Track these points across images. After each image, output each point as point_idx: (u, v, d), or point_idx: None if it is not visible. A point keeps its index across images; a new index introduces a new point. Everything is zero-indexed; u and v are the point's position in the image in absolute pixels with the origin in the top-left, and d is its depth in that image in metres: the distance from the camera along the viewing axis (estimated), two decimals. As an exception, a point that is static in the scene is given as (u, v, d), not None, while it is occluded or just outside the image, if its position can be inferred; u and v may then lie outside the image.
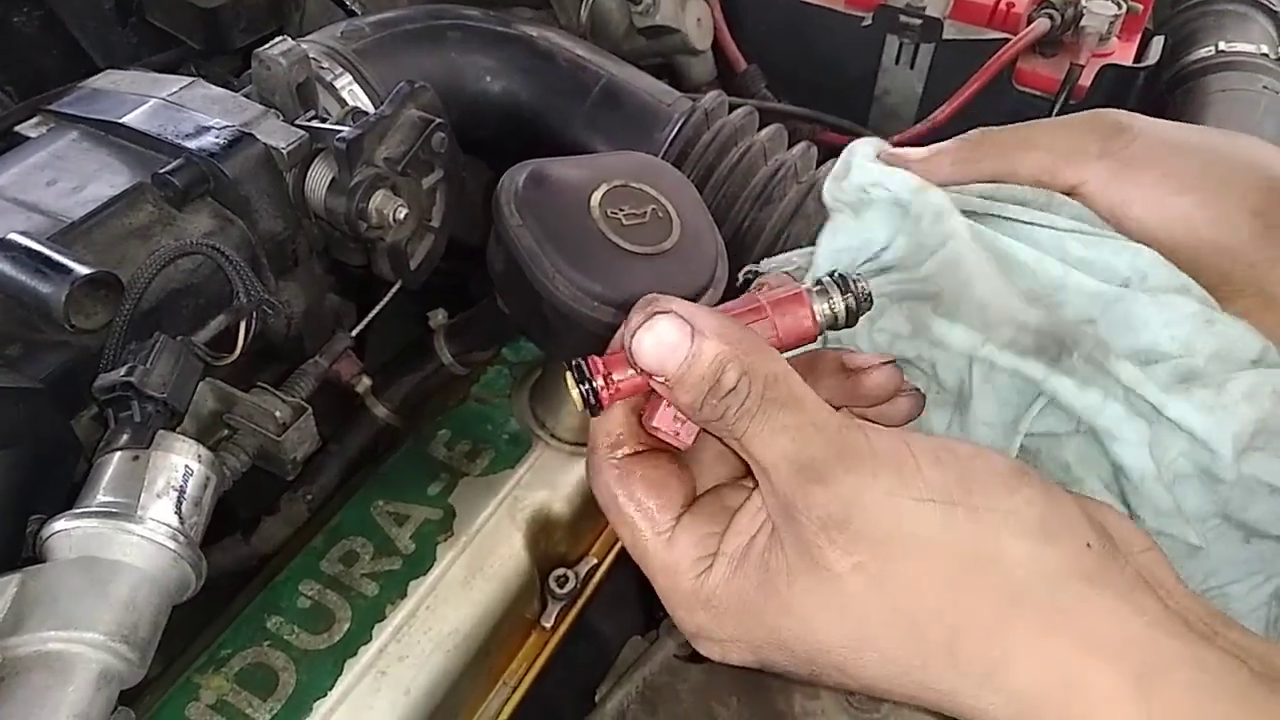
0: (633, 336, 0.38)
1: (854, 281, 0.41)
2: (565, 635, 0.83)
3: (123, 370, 0.55)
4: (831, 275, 0.42)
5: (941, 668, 0.36)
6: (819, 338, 0.43)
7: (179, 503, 0.52)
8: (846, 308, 0.41)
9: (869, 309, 0.42)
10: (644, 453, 0.42)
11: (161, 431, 0.54)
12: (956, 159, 0.51)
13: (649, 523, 0.41)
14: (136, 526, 0.50)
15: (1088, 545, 0.37)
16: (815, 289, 0.42)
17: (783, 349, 0.42)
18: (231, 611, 0.72)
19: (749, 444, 0.38)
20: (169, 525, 0.51)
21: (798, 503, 0.36)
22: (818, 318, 0.41)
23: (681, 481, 0.42)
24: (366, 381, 0.88)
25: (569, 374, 0.40)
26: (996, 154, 0.51)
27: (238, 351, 0.61)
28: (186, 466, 0.53)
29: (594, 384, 0.39)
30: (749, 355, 0.37)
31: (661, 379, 0.38)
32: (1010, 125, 0.52)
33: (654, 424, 0.40)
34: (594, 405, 0.40)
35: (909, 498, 0.36)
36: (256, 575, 0.78)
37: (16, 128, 0.73)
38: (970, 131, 0.53)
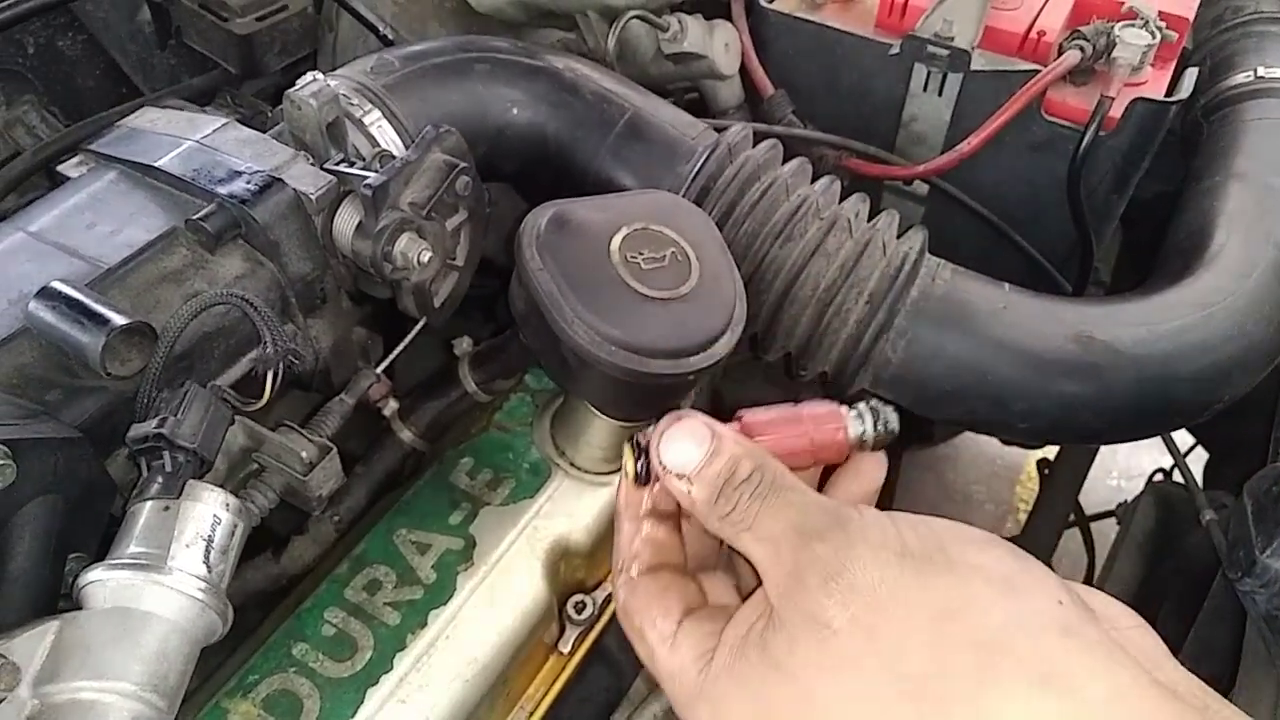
0: (660, 436, 0.44)
1: (883, 411, 0.46)
2: (582, 661, 0.85)
3: (154, 422, 0.57)
4: (867, 403, 0.47)
5: None
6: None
7: (207, 552, 0.55)
8: (876, 435, 0.46)
9: (892, 439, 0.46)
10: (651, 569, 0.46)
11: (191, 481, 0.56)
12: None
13: (654, 630, 0.44)
14: (166, 578, 0.52)
15: (1059, 602, 0.39)
16: (852, 413, 0.47)
17: (815, 460, 0.47)
18: (260, 637, 0.74)
19: (760, 524, 0.42)
20: (197, 576, 0.53)
21: (801, 561, 0.40)
22: (850, 436, 0.46)
23: (684, 590, 0.46)
24: (394, 405, 0.90)
25: (630, 448, 0.46)
26: None
27: (265, 399, 0.64)
28: (215, 516, 0.56)
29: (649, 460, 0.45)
30: (757, 453, 0.44)
31: (683, 475, 0.43)
32: None
33: None
34: (644, 476, 0.45)
35: (893, 553, 0.40)
36: (285, 595, 0.81)
37: (59, 167, 0.75)
38: None
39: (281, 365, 0.64)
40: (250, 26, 1.01)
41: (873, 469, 0.49)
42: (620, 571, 0.48)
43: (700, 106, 1.16)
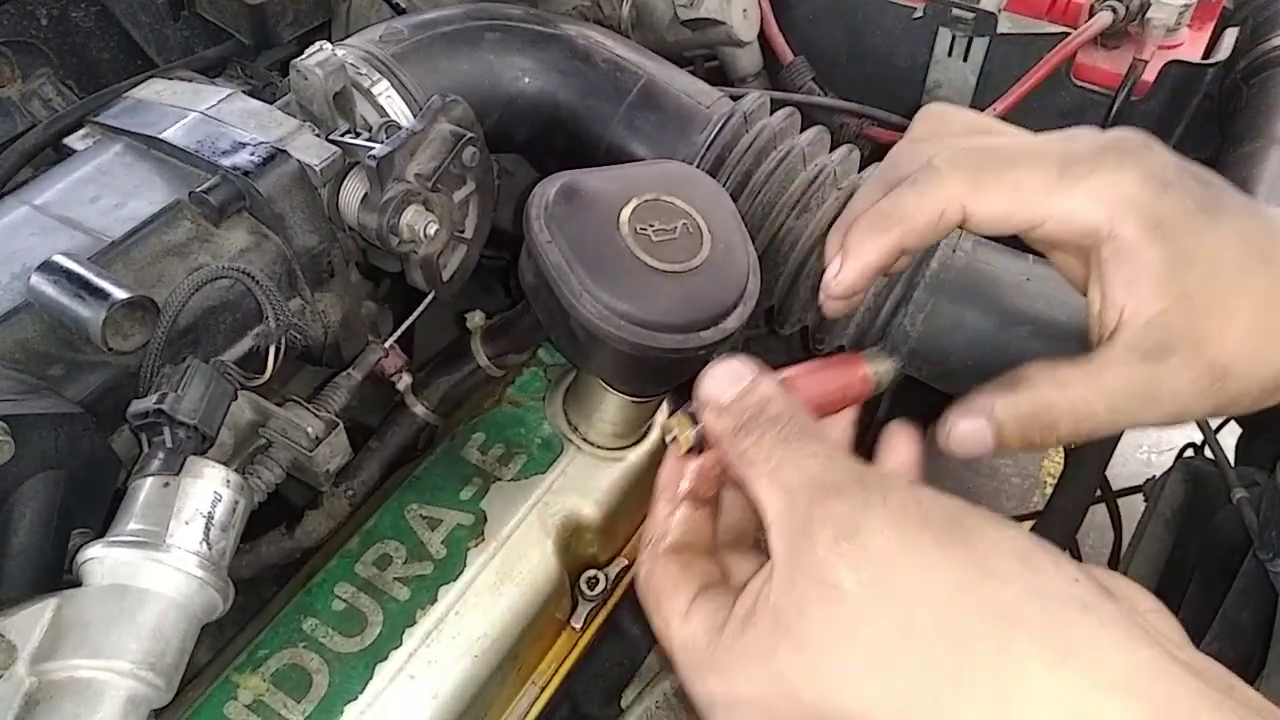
0: (707, 371, 0.46)
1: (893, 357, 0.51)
2: (595, 636, 0.84)
3: (154, 397, 0.57)
4: (876, 346, 0.50)
5: (952, 695, 0.36)
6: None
7: (207, 529, 0.54)
8: (893, 368, 0.51)
9: (900, 376, 0.48)
10: (677, 548, 0.47)
11: (191, 458, 0.56)
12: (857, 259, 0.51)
13: (669, 603, 0.44)
14: (165, 555, 0.52)
15: (1075, 579, 0.38)
16: (864, 355, 0.51)
17: (844, 401, 0.50)
18: (270, 611, 0.74)
19: (780, 469, 0.41)
20: (196, 554, 0.53)
21: (815, 516, 0.39)
22: (869, 372, 0.50)
23: (705, 569, 0.46)
24: (407, 379, 0.90)
25: (682, 417, 0.47)
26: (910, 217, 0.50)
27: (268, 374, 0.63)
28: (215, 493, 0.55)
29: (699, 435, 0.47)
30: (793, 401, 0.44)
31: (715, 405, 0.45)
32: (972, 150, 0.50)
33: None
34: (699, 447, 0.47)
35: (913, 520, 0.39)
36: (299, 568, 0.81)
37: (66, 140, 0.75)
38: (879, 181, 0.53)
39: (283, 340, 0.63)
40: (261, -4, 1.00)
41: (908, 443, 0.48)
42: (646, 545, 0.48)
43: (719, 77, 1.14)
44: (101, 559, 0.51)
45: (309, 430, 0.66)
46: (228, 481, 0.56)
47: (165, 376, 0.59)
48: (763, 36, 1.09)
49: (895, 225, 0.49)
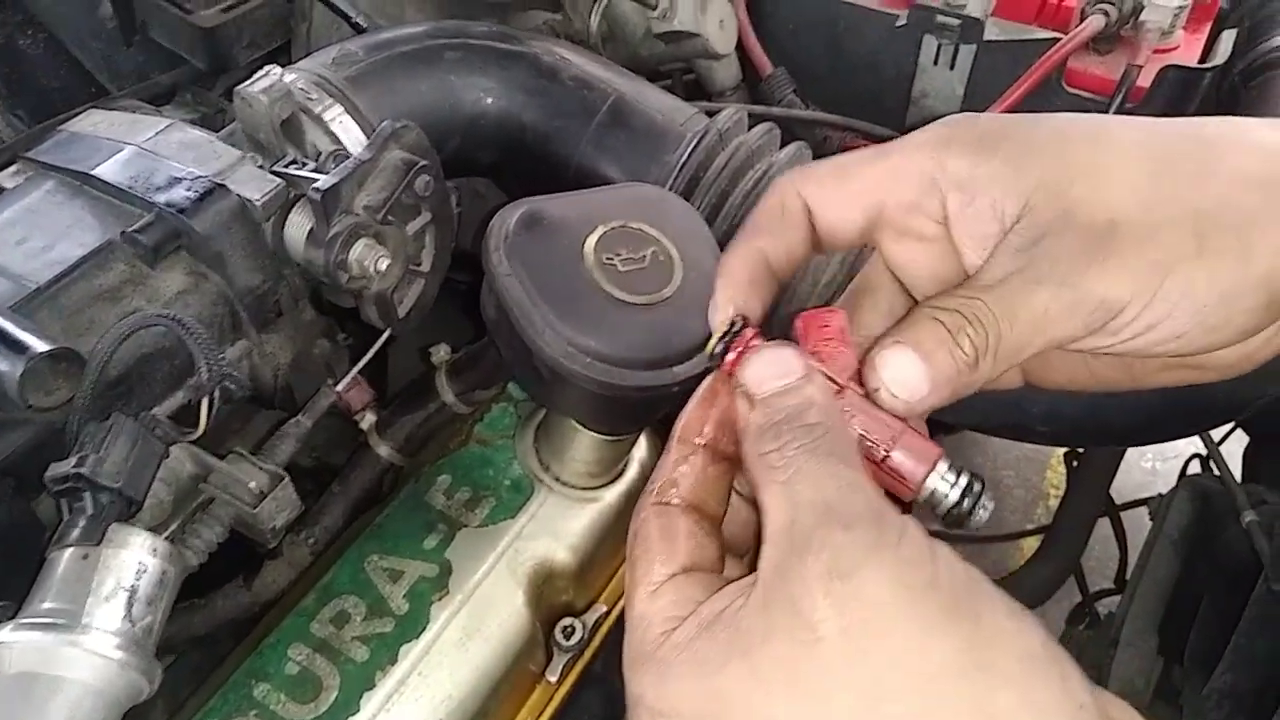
0: (750, 353, 0.41)
1: (979, 492, 0.40)
2: (572, 688, 0.80)
3: (74, 459, 0.52)
4: (970, 473, 0.40)
5: None
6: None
7: (130, 604, 0.50)
8: (953, 506, 0.39)
9: (966, 525, 0.39)
10: (687, 507, 0.41)
11: (114, 525, 0.51)
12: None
13: (645, 569, 0.39)
14: (81, 638, 0.47)
15: (1080, 705, 0.33)
16: (947, 467, 0.40)
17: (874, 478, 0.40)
18: (220, 675, 0.70)
19: (794, 482, 0.37)
20: (116, 633, 0.48)
21: (814, 541, 0.35)
22: (925, 487, 0.40)
23: (701, 546, 0.41)
24: (371, 418, 0.85)
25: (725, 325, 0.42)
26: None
27: (201, 429, 0.58)
28: (140, 563, 0.51)
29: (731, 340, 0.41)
30: (835, 414, 0.39)
31: (751, 395, 0.40)
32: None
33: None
34: (718, 358, 0.42)
35: (921, 579, 0.34)
36: (258, 622, 0.76)
37: (-5, 177, 0.71)
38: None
39: (216, 392, 0.59)
40: (215, 19, 0.96)
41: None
42: (651, 492, 0.43)
43: (696, 91, 1.10)
44: (10, 644, 0.47)
45: (251, 485, 0.62)
46: (154, 550, 0.52)
47: (89, 435, 0.54)
48: (741, 49, 1.04)
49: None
